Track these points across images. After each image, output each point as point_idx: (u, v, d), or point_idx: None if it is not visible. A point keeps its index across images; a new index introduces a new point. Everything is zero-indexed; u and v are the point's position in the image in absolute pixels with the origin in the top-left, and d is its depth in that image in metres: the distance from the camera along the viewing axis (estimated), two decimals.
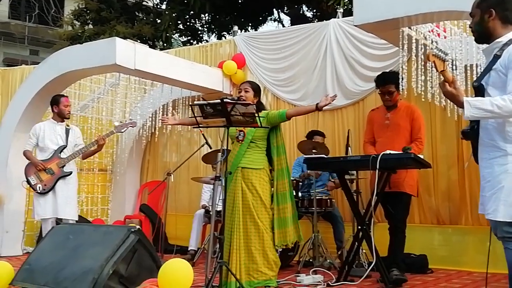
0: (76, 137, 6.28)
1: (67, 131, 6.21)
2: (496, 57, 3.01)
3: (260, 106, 4.68)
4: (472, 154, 3.22)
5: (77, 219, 6.18)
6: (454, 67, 5.21)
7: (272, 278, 4.43)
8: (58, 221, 5.88)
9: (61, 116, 6.25)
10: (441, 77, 3.12)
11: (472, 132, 3.11)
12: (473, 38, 3.24)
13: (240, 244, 4.37)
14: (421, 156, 4.79)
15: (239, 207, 4.43)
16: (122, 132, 6.41)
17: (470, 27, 3.22)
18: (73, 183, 6.15)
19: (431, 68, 5.23)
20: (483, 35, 3.11)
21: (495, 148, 2.96)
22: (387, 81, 5.13)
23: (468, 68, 5.33)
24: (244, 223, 4.41)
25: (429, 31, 5.23)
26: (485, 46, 3.18)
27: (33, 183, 6.04)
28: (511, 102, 2.81)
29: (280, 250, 4.83)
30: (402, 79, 5.07)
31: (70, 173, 6.07)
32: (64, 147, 6.13)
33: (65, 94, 6.64)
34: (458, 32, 5.40)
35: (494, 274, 4.93)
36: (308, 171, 5.97)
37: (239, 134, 4.57)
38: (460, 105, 2.97)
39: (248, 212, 4.42)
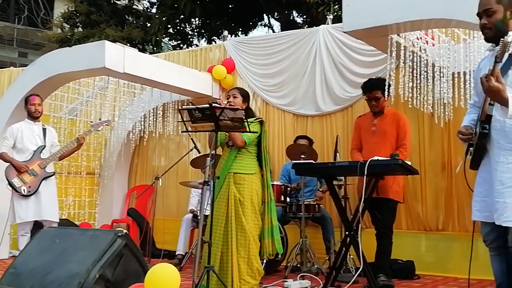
0: (52, 138, 6.17)
1: (44, 131, 6.10)
2: None
3: (249, 112, 4.67)
4: (470, 159, 3.11)
5: (57, 221, 6.01)
6: (441, 75, 5.26)
7: (254, 287, 4.42)
8: (39, 224, 5.84)
9: (30, 116, 6.09)
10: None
11: (488, 133, 2.97)
12: (477, 38, 3.08)
13: (233, 250, 4.36)
14: (409, 163, 4.82)
15: (231, 213, 4.41)
16: (99, 130, 6.35)
17: (484, 24, 3.01)
18: (53, 184, 6.06)
19: (419, 75, 5.28)
20: (502, 33, 2.88)
21: None
22: (373, 87, 5.17)
23: (456, 75, 5.38)
24: (234, 229, 4.40)
25: (418, 39, 5.28)
26: (488, 45, 3.07)
27: (17, 186, 5.81)
28: None
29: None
30: (390, 85, 5.11)
31: (53, 173, 6.00)
32: (44, 147, 6.02)
33: (36, 94, 6.35)
34: (446, 39, 5.45)
35: (480, 280, 4.98)
36: (298, 182, 5.99)
37: (229, 140, 4.56)
38: (504, 101, 2.79)
39: (238, 218, 4.41)
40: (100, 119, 6.66)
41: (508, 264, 3.01)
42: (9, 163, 5.90)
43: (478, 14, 3.06)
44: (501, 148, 2.91)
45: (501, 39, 2.71)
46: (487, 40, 3.06)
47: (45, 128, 6.13)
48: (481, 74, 2.87)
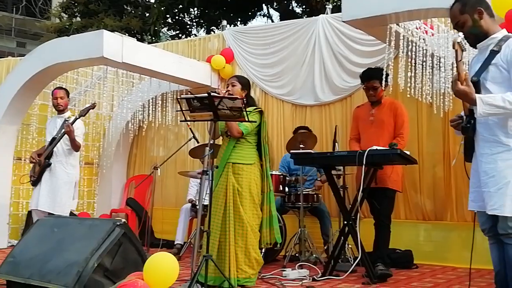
0: (75, 129, 6.02)
1: (64, 123, 6.06)
2: (494, 52, 3.03)
3: (249, 100, 4.66)
4: (462, 151, 3.23)
5: (60, 213, 5.85)
6: (440, 64, 5.24)
7: (251, 277, 4.44)
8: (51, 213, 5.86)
9: (55, 109, 6.23)
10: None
11: (470, 127, 3.09)
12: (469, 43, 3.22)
13: (231, 240, 4.37)
14: (407, 152, 4.83)
15: (230, 204, 4.42)
16: (84, 115, 6.25)
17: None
18: (58, 177, 5.98)
19: (418, 64, 5.26)
20: (480, 36, 3.11)
21: (498, 143, 2.97)
22: (371, 77, 5.17)
23: (455, 65, 5.35)
24: (232, 219, 4.41)
25: (417, 28, 5.26)
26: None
27: (29, 175, 6.13)
28: None
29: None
30: (388, 75, 5.10)
31: (49, 164, 5.96)
32: (54, 138, 6.01)
33: (61, 86, 6.51)
34: (445, 29, 5.42)
35: (478, 269, 4.99)
36: (298, 177, 5.97)
37: (228, 130, 4.54)
38: (473, 102, 2.95)
39: (236, 208, 4.41)
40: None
41: (504, 251, 3.06)
42: None
43: (454, 28, 3.24)
44: (485, 140, 3.03)
45: (453, 40, 2.92)
46: (472, 45, 3.20)
47: (68, 120, 6.07)
48: (471, 72, 3.11)
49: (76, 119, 6.08)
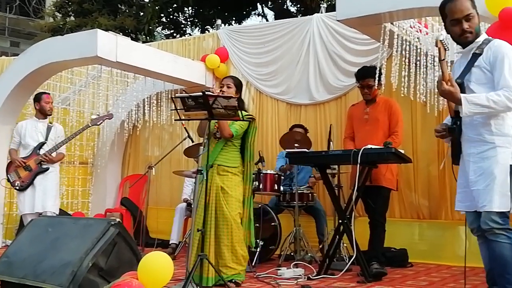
0: (57, 135, 6.28)
1: (48, 128, 6.24)
2: (476, 55, 3.11)
3: (240, 104, 4.66)
4: (450, 153, 3.30)
5: (57, 212, 6.16)
6: (434, 63, 5.25)
7: (240, 273, 4.48)
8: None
9: (42, 113, 6.29)
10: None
11: (456, 128, 3.17)
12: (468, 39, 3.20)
13: (211, 239, 4.40)
14: (402, 151, 4.84)
15: (212, 203, 4.44)
16: (98, 124, 6.39)
17: (466, 29, 3.11)
18: (52, 178, 6.14)
19: (412, 63, 5.27)
20: (478, 35, 3.17)
21: (483, 142, 3.05)
22: (366, 75, 5.18)
23: (449, 64, 5.36)
24: (215, 218, 4.43)
25: (411, 27, 5.27)
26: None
27: (12, 180, 6.14)
28: (506, 97, 2.94)
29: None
30: (381, 74, 5.10)
31: (47, 169, 6.08)
32: (43, 143, 6.12)
33: (47, 91, 6.65)
34: (439, 28, 5.43)
35: (472, 268, 4.99)
36: (288, 164, 5.98)
37: (217, 131, 4.56)
38: (458, 102, 3.02)
39: (220, 207, 4.44)
40: (98, 114, 6.68)
41: (489, 248, 3.12)
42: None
43: (454, 20, 3.15)
44: (471, 141, 3.12)
45: (435, 38, 3.03)
46: (469, 43, 3.19)
47: (51, 126, 6.29)
48: (454, 75, 3.19)
49: (88, 126, 6.37)
